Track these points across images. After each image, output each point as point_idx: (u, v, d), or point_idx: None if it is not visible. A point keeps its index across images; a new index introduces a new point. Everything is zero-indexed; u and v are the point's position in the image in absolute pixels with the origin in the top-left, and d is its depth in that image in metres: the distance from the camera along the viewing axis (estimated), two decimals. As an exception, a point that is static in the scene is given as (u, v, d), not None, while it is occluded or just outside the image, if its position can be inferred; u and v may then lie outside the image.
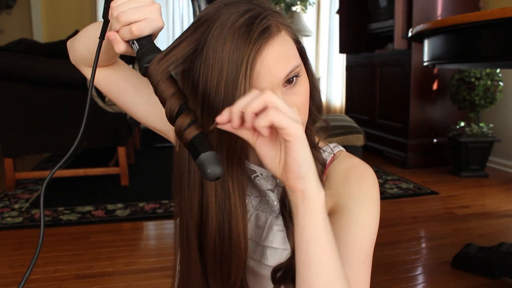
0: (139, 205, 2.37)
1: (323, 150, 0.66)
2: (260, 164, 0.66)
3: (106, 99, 2.76)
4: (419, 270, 1.66)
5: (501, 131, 3.08)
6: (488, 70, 2.82)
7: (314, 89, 0.61)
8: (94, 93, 2.58)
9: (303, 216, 0.48)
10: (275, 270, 0.60)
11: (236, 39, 0.50)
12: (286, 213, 0.60)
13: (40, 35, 4.82)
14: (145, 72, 0.51)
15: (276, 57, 0.52)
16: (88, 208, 2.33)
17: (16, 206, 2.37)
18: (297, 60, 0.55)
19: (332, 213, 0.60)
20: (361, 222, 0.59)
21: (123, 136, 2.66)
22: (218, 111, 0.49)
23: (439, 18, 3.05)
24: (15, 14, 4.84)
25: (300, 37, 0.59)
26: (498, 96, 2.85)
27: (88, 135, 2.59)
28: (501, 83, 2.85)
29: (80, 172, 2.68)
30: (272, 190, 0.65)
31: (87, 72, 0.73)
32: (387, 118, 3.44)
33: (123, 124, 2.64)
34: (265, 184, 0.65)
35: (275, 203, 0.64)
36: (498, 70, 2.87)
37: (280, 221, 0.63)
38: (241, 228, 0.57)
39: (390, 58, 3.37)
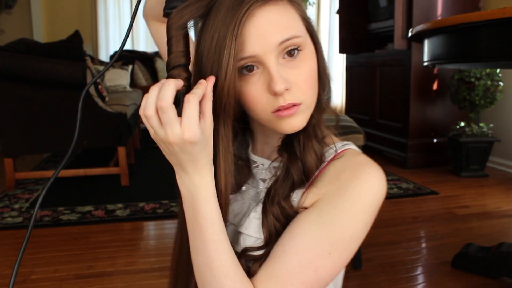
0: (139, 205, 2.37)
1: (331, 147, 0.62)
2: (263, 155, 0.67)
3: (106, 99, 2.76)
4: (419, 270, 1.66)
5: (501, 131, 3.08)
6: (488, 70, 2.82)
7: (323, 74, 0.59)
8: (94, 93, 2.58)
9: (196, 201, 0.53)
10: (242, 252, 0.58)
11: (233, 2, 0.50)
12: (268, 203, 0.58)
13: (40, 35, 4.82)
14: (165, 16, 0.54)
15: (271, 21, 0.51)
16: (88, 208, 2.33)
17: (16, 206, 2.37)
18: (298, 32, 0.53)
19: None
20: (341, 208, 0.54)
21: (123, 136, 2.66)
22: (208, 70, 0.51)
23: (439, 18, 3.05)
24: (15, 14, 4.84)
25: (309, 19, 0.57)
26: (498, 96, 2.85)
27: (88, 135, 2.59)
28: (501, 83, 2.85)
29: (80, 172, 2.68)
30: (264, 181, 0.65)
31: (153, 26, 0.75)
32: (387, 118, 3.44)
33: (123, 124, 2.64)
34: (260, 174, 0.65)
35: (262, 192, 0.63)
36: (498, 70, 2.87)
37: (259, 209, 0.60)
38: (228, 183, 0.56)
39: (390, 58, 3.37)
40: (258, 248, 0.57)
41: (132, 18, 0.59)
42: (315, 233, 0.53)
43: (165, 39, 0.57)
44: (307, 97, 0.55)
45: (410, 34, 1.50)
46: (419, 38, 1.48)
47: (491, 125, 2.96)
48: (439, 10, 3.09)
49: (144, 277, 1.59)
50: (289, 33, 0.52)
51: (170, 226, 2.12)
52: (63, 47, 2.57)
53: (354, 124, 2.43)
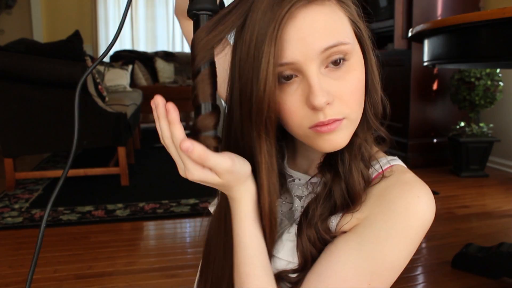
0: (139, 205, 2.37)
1: (374, 163, 0.56)
2: (300, 169, 0.61)
3: (106, 99, 2.76)
4: (419, 270, 1.66)
5: (501, 131, 3.08)
6: (488, 70, 2.82)
7: (372, 88, 0.52)
8: (94, 93, 2.58)
9: (233, 221, 0.51)
10: (278, 275, 0.54)
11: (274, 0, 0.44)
12: (305, 223, 0.53)
13: (40, 35, 4.82)
14: (190, 17, 0.49)
15: (314, 24, 0.45)
16: (88, 208, 2.33)
17: (16, 206, 2.37)
18: (346, 38, 0.47)
19: (354, 226, 0.52)
20: (384, 236, 0.49)
21: (123, 136, 2.66)
22: (246, 80, 0.46)
23: (439, 18, 3.05)
24: (15, 14, 4.84)
25: (360, 22, 0.51)
26: (498, 96, 2.85)
27: (88, 135, 2.59)
28: (501, 83, 2.85)
29: (80, 172, 2.69)
30: (300, 198, 0.58)
31: (184, 24, 0.70)
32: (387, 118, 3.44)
33: (123, 124, 2.64)
34: (296, 190, 0.59)
35: (297, 211, 0.57)
36: (498, 70, 2.87)
37: (293, 230, 0.55)
38: (273, 202, 0.51)
39: (390, 58, 3.37)
40: (294, 271, 0.53)
41: (122, 18, 0.54)
42: (355, 263, 0.49)
43: None
44: (351, 112, 0.48)
45: (410, 34, 1.50)
46: (419, 38, 1.48)
47: (491, 125, 2.96)
48: (439, 10, 3.09)
49: (144, 277, 1.59)
50: (335, 39, 0.45)
51: (170, 226, 2.12)
52: (63, 47, 2.57)
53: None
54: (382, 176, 0.53)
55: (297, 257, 0.53)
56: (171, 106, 0.44)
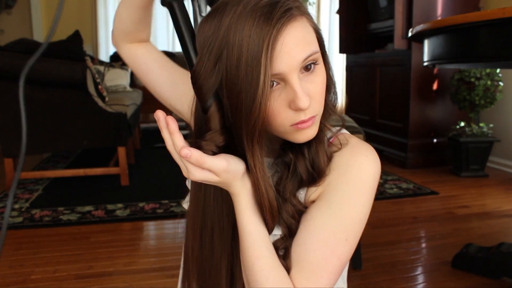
0: (139, 205, 2.37)
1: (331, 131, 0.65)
2: (267, 155, 0.67)
3: (106, 99, 2.76)
4: (419, 270, 1.66)
5: (501, 131, 3.08)
6: (488, 70, 2.82)
7: (330, 83, 0.61)
8: (94, 93, 2.58)
9: (236, 213, 0.58)
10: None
11: (258, 18, 0.50)
12: (279, 200, 0.60)
13: (40, 35, 4.82)
14: (165, 5, 0.58)
15: (296, 38, 0.52)
16: (88, 208, 2.33)
17: (16, 206, 2.37)
18: (316, 47, 0.55)
19: (320, 194, 0.61)
20: (347, 196, 0.59)
21: (123, 136, 2.66)
22: (239, 91, 0.51)
23: (439, 18, 3.05)
24: (15, 14, 4.84)
25: (320, 30, 0.59)
26: (498, 96, 2.85)
27: (88, 135, 2.59)
28: (501, 83, 2.85)
29: (80, 172, 2.69)
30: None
31: (124, 50, 0.77)
32: (387, 118, 3.44)
33: (123, 124, 2.64)
34: None
35: None
36: (498, 70, 2.87)
37: None
38: (271, 196, 0.57)
39: (390, 58, 3.37)
40: (282, 240, 0.61)
41: (58, 9, 0.56)
42: (330, 225, 0.58)
43: (144, 63, 0.70)
44: (320, 108, 0.57)
45: (410, 34, 1.50)
46: (419, 38, 1.48)
47: (491, 125, 2.96)
48: (439, 10, 3.09)
49: (144, 277, 1.59)
50: (310, 49, 0.53)
51: (170, 226, 2.12)
52: (63, 47, 2.57)
53: (354, 124, 2.43)
54: (339, 148, 0.63)
55: (281, 229, 0.61)
56: (170, 119, 0.53)
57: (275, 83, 0.53)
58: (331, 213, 0.58)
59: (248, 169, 0.57)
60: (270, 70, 0.50)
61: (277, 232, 0.61)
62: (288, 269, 0.59)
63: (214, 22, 0.52)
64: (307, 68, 0.54)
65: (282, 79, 0.53)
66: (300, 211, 0.61)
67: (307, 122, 0.55)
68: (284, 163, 0.62)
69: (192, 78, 0.55)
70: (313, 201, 0.61)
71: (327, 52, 0.62)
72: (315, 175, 0.60)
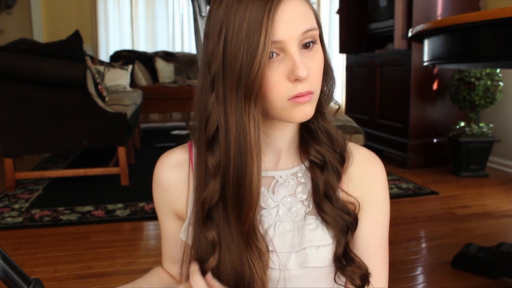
0: (139, 205, 2.37)
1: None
2: (272, 168, 0.65)
3: (106, 99, 2.76)
4: (419, 270, 1.66)
5: (501, 131, 3.08)
6: (488, 70, 2.82)
7: (328, 67, 0.62)
8: (94, 93, 2.58)
9: None
10: (337, 258, 0.63)
11: None
12: (320, 199, 0.62)
13: (40, 35, 4.82)
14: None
15: (296, 10, 0.54)
16: (88, 208, 2.33)
17: (16, 206, 2.37)
18: (315, 25, 0.57)
19: (361, 210, 0.66)
20: (384, 215, 0.68)
21: (123, 136, 2.66)
22: (238, 53, 0.53)
23: (439, 18, 3.05)
24: (15, 14, 4.84)
25: (319, 16, 0.61)
26: (498, 96, 2.85)
27: (88, 135, 2.59)
28: (501, 83, 2.85)
29: (80, 172, 2.69)
30: (292, 195, 0.64)
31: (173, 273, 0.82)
32: (387, 118, 3.44)
33: (123, 124, 2.64)
34: (283, 190, 0.64)
35: (296, 207, 0.64)
36: (498, 70, 2.87)
37: (310, 221, 0.63)
38: (256, 167, 0.56)
39: (390, 58, 3.37)
40: (339, 246, 0.64)
41: None
42: (380, 237, 0.68)
43: None
44: (318, 87, 0.58)
45: (410, 34, 1.50)
46: (419, 38, 1.48)
47: (491, 125, 2.96)
48: (439, 10, 3.09)
49: (144, 277, 1.59)
50: (310, 25, 0.55)
51: (170, 226, 2.12)
52: (63, 47, 2.57)
53: (354, 124, 2.43)
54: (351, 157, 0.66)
55: (329, 235, 0.62)
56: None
57: (274, 54, 0.54)
58: (378, 227, 0.67)
59: None
60: (270, 34, 0.52)
61: (326, 242, 0.62)
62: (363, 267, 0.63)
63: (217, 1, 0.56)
64: (306, 46, 0.55)
65: (281, 49, 0.54)
66: (344, 206, 0.63)
67: (305, 97, 0.55)
68: (312, 163, 0.64)
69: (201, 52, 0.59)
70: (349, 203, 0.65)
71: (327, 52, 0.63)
72: (342, 154, 0.64)
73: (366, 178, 0.66)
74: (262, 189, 0.63)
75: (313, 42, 0.56)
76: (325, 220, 0.62)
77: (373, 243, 0.66)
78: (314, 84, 0.56)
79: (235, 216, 0.58)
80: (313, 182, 0.63)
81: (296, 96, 0.55)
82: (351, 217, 0.63)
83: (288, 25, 0.53)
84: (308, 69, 0.54)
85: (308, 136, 0.64)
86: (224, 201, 0.59)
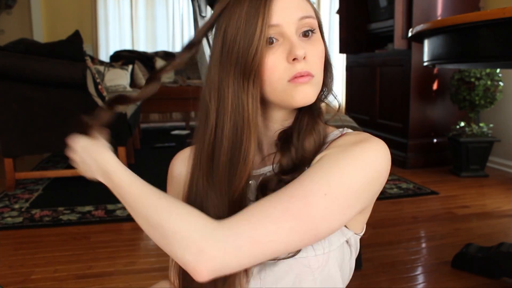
0: (139, 205, 2.37)
1: (334, 131, 0.66)
2: (258, 166, 0.65)
3: (106, 99, 2.76)
4: (419, 270, 1.66)
5: (501, 131, 3.08)
6: (488, 70, 2.82)
7: (327, 63, 0.63)
8: (94, 93, 2.58)
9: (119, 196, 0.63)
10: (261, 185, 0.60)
11: None
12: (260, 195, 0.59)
13: (40, 35, 4.82)
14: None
15: (293, 0, 0.57)
16: (88, 208, 2.33)
17: (16, 206, 2.37)
18: (313, 15, 0.60)
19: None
20: (322, 168, 0.53)
21: (123, 136, 2.66)
22: (235, 37, 0.56)
23: (439, 18, 3.05)
24: (15, 14, 4.84)
25: (319, 14, 0.63)
26: (498, 96, 2.85)
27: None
28: (501, 83, 2.85)
29: (80, 172, 2.68)
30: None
31: None
32: (387, 118, 3.44)
33: (123, 124, 2.64)
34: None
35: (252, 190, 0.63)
36: (498, 70, 2.87)
37: None
38: (252, 140, 0.57)
39: (390, 58, 3.37)
40: (274, 178, 0.60)
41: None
42: (313, 174, 0.53)
43: None
44: (318, 73, 0.59)
45: (410, 34, 1.50)
46: (419, 38, 1.48)
47: (491, 125, 2.96)
48: (439, 10, 3.09)
49: (144, 277, 1.59)
50: (307, 12, 0.58)
51: (170, 226, 2.11)
52: (63, 47, 2.57)
53: (354, 124, 2.43)
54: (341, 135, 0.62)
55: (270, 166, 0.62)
56: None
57: (274, 40, 0.57)
58: (319, 167, 0.53)
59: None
60: (267, 19, 0.55)
61: (264, 171, 0.62)
62: None
63: None
64: (305, 34, 0.58)
65: (280, 33, 0.56)
66: (303, 157, 0.59)
67: (304, 77, 0.56)
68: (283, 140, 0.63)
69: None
70: None
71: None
72: (300, 159, 0.59)
73: (343, 144, 0.57)
74: (251, 182, 0.62)
75: (312, 31, 0.58)
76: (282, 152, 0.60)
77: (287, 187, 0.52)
78: (314, 68, 0.58)
79: (225, 185, 0.58)
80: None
81: (295, 77, 0.56)
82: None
83: (284, 11, 0.56)
84: (306, 51, 0.56)
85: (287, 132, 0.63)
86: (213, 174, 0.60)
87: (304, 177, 0.53)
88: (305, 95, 0.57)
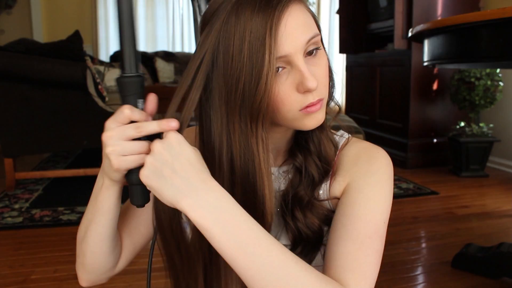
0: (139, 205, 2.37)
1: (337, 134, 0.67)
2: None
3: (106, 99, 2.76)
4: (419, 270, 1.66)
5: (501, 131, 3.08)
6: (488, 70, 2.82)
7: (329, 70, 0.62)
8: (94, 93, 2.58)
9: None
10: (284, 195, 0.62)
11: (259, 3, 0.50)
12: (287, 208, 0.60)
13: (40, 35, 4.82)
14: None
15: (298, 20, 0.52)
16: (88, 208, 2.33)
17: (16, 206, 2.37)
18: (317, 30, 0.55)
19: (344, 193, 0.60)
20: (370, 198, 0.58)
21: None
22: (240, 74, 0.50)
23: (439, 18, 3.05)
24: (15, 14, 4.84)
25: (317, 18, 0.60)
26: (498, 96, 2.85)
27: (88, 135, 2.59)
28: (501, 83, 2.85)
29: (80, 172, 2.68)
30: (280, 191, 0.64)
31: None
32: (387, 118, 3.44)
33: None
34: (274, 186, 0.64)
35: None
36: (498, 70, 2.87)
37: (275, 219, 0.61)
38: (267, 186, 0.54)
39: (390, 58, 3.37)
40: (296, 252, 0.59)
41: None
42: (364, 211, 0.57)
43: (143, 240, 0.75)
44: (325, 91, 0.57)
45: (410, 34, 1.50)
46: (419, 38, 1.48)
47: (491, 125, 2.96)
48: (439, 10, 3.09)
49: (144, 277, 1.59)
50: (312, 32, 0.53)
51: (170, 226, 2.12)
52: (63, 47, 2.57)
53: (354, 124, 2.43)
54: (347, 143, 0.65)
55: (289, 238, 0.60)
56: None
57: (280, 69, 0.53)
58: (357, 215, 0.57)
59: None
60: (275, 51, 0.50)
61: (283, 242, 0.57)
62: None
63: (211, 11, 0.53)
64: (310, 53, 0.54)
65: (287, 62, 0.52)
66: (323, 210, 0.60)
67: (316, 105, 0.54)
68: (295, 167, 0.62)
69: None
70: (337, 198, 0.61)
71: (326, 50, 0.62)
72: (325, 166, 0.61)
73: (358, 162, 0.61)
74: None
75: (317, 48, 0.55)
76: (287, 224, 0.60)
77: (344, 225, 0.56)
78: (323, 90, 0.56)
79: None
80: (288, 185, 0.62)
81: (308, 106, 0.54)
82: (311, 232, 0.60)
83: (292, 38, 0.51)
84: (316, 77, 0.53)
85: (299, 141, 0.63)
86: None
87: (359, 215, 0.57)
88: (318, 121, 0.56)
